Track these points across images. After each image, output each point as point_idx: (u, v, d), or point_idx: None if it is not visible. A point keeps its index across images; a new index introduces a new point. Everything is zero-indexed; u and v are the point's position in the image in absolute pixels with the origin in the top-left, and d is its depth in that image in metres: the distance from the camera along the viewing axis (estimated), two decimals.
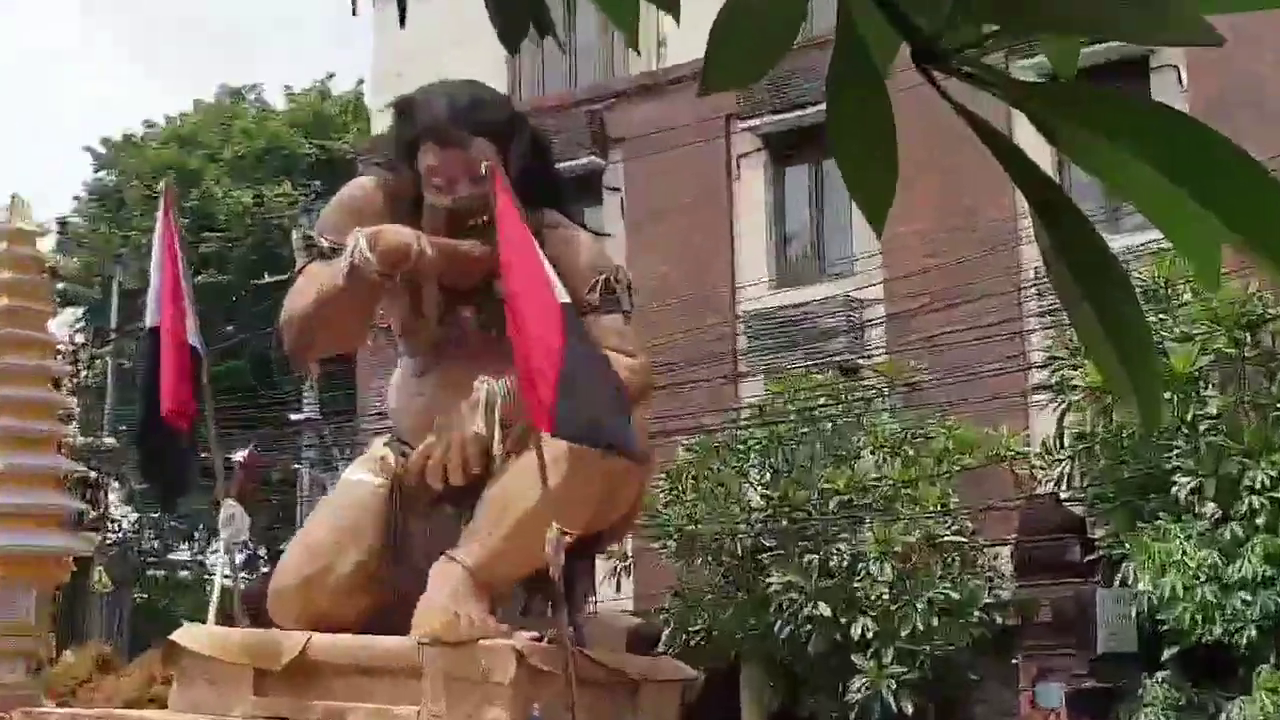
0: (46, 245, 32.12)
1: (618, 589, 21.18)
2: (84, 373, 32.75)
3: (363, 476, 8.19)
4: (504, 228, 6.85)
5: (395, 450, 8.10)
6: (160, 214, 8.40)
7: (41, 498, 16.09)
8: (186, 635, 7.97)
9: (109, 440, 30.03)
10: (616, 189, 25.73)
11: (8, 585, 15.54)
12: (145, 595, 33.49)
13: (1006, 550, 19.57)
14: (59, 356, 30.36)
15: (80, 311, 37.50)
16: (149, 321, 8.25)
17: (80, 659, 22.63)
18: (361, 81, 40.19)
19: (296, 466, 27.96)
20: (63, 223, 34.21)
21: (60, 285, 34.59)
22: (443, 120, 7.90)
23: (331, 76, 41.16)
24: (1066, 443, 18.28)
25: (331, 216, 8.19)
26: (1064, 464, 18.40)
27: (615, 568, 21.08)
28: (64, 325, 35.90)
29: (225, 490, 8.21)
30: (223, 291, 34.28)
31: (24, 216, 16.42)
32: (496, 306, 7.21)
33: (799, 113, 22.93)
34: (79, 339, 34.43)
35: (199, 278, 33.90)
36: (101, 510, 28.95)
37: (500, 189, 6.86)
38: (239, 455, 8.75)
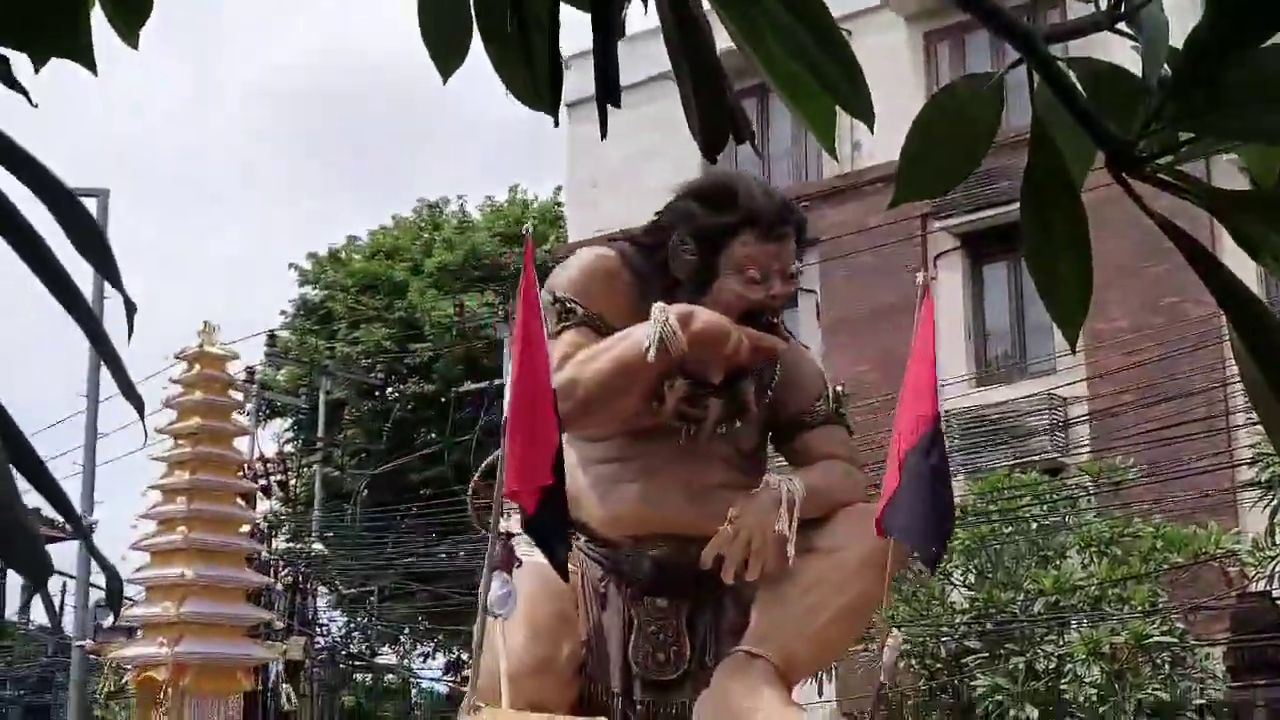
0: (255, 358, 33.28)
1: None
2: (293, 481, 33.62)
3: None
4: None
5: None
6: (524, 269, 8.27)
7: (229, 609, 16.73)
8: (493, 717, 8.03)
9: (317, 546, 30.74)
10: (812, 291, 25.84)
11: (198, 693, 16.10)
12: (354, 698, 34.03)
13: (1218, 650, 19.04)
14: (265, 465, 31.48)
15: (288, 422, 38.54)
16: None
17: None
18: (559, 189, 41.08)
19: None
20: (271, 336, 35.27)
21: (268, 397, 35.68)
22: (770, 213, 7.82)
23: (515, 187, 42.00)
24: (1278, 539, 17.80)
25: (581, 282, 8.11)
26: (1276, 561, 17.90)
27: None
28: (272, 436, 37.03)
29: (494, 563, 8.23)
30: (428, 400, 35.03)
31: (213, 341, 17.26)
32: (736, 402, 7.27)
33: (996, 210, 22.86)
34: (288, 449, 35.37)
35: (405, 385, 34.87)
36: (302, 616, 29.56)
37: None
38: (505, 526, 8.58)
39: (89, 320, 1.81)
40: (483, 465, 9.81)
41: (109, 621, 22.31)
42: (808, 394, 7.38)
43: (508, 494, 7.93)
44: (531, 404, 8.01)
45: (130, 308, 1.88)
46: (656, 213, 8.38)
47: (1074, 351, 1.85)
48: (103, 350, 1.87)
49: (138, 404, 2.05)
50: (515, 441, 7.74)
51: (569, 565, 8.14)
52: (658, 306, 7.84)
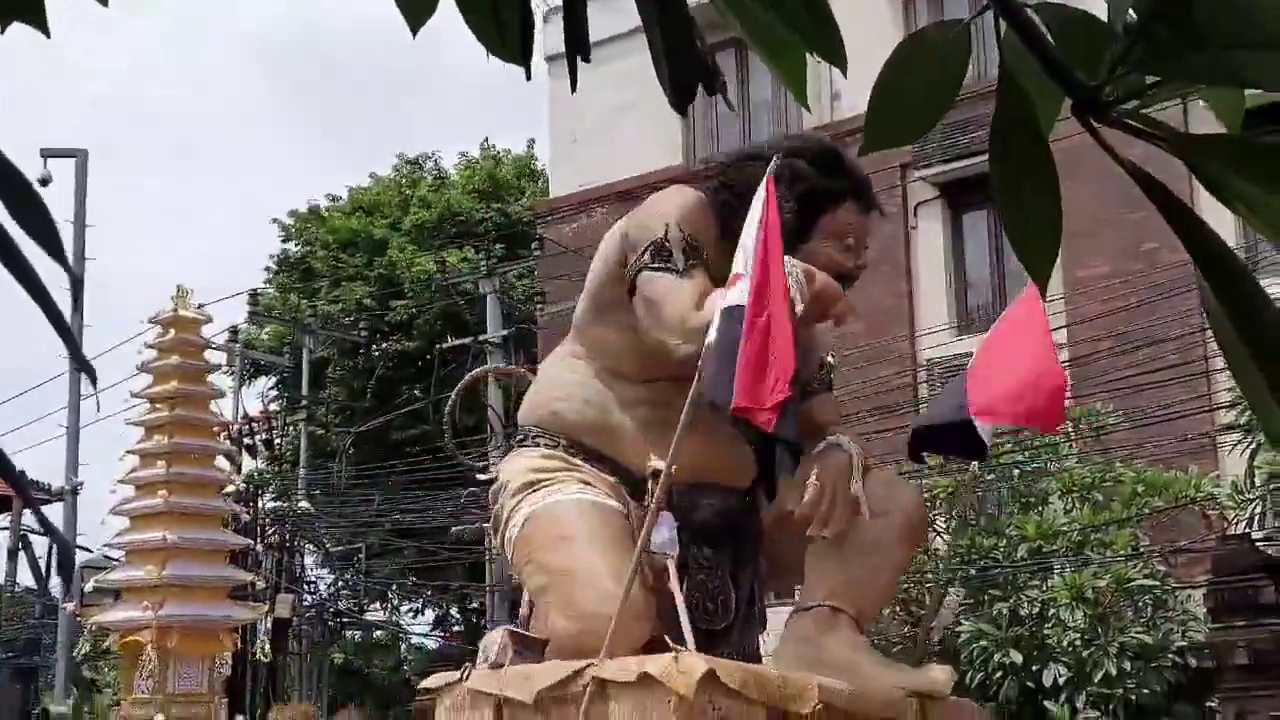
0: (239, 317, 33.23)
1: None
2: (278, 440, 33.60)
3: (606, 501, 8.31)
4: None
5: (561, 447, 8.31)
6: (765, 191, 8.16)
7: (210, 570, 16.80)
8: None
9: (304, 504, 30.78)
10: None
11: (181, 655, 16.18)
12: (343, 655, 34.14)
13: (1199, 593, 19.20)
14: (250, 425, 31.45)
15: (272, 381, 38.51)
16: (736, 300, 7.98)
17: (283, 718, 23.25)
18: (532, 142, 40.97)
19: (485, 525, 28.37)
20: (253, 294, 35.18)
21: (251, 356, 35.63)
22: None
23: (486, 141, 41.91)
24: (1257, 482, 17.93)
25: (694, 221, 8.21)
26: (1255, 504, 18.04)
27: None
28: (256, 395, 36.99)
29: (661, 503, 8.16)
30: (410, 357, 35.02)
31: (188, 304, 17.27)
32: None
33: (974, 160, 22.88)
34: (272, 408, 35.35)
35: (387, 343, 34.86)
36: (290, 574, 29.62)
37: None
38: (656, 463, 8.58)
39: (36, 288, 1.82)
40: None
41: (89, 586, 22.34)
42: (819, 359, 7.58)
43: (736, 410, 7.82)
44: (768, 324, 7.98)
45: (76, 282, 1.88)
46: (742, 160, 8.48)
47: (1044, 298, 1.86)
48: (52, 318, 1.87)
49: (90, 373, 2.05)
50: (749, 360, 7.69)
51: (618, 506, 8.24)
52: (789, 261, 8.11)
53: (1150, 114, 1.51)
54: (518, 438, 8.71)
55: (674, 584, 8.04)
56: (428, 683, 9.11)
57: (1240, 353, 1.47)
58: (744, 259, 7.76)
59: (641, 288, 8.26)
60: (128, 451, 16.96)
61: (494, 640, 8.45)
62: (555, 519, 8.36)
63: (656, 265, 8.27)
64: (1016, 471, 20.56)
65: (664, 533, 8.03)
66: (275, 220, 39.97)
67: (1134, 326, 20.93)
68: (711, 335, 7.51)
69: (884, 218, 8.50)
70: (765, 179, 7.81)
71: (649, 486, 8.84)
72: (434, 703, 8.76)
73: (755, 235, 7.84)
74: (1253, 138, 1.43)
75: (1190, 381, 20.30)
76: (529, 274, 33.12)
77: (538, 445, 8.54)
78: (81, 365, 2.01)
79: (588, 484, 8.40)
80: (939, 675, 7.80)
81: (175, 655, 16.05)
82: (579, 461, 8.51)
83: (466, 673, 8.32)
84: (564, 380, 8.68)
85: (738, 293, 7.61)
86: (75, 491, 27.22)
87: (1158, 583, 18.88)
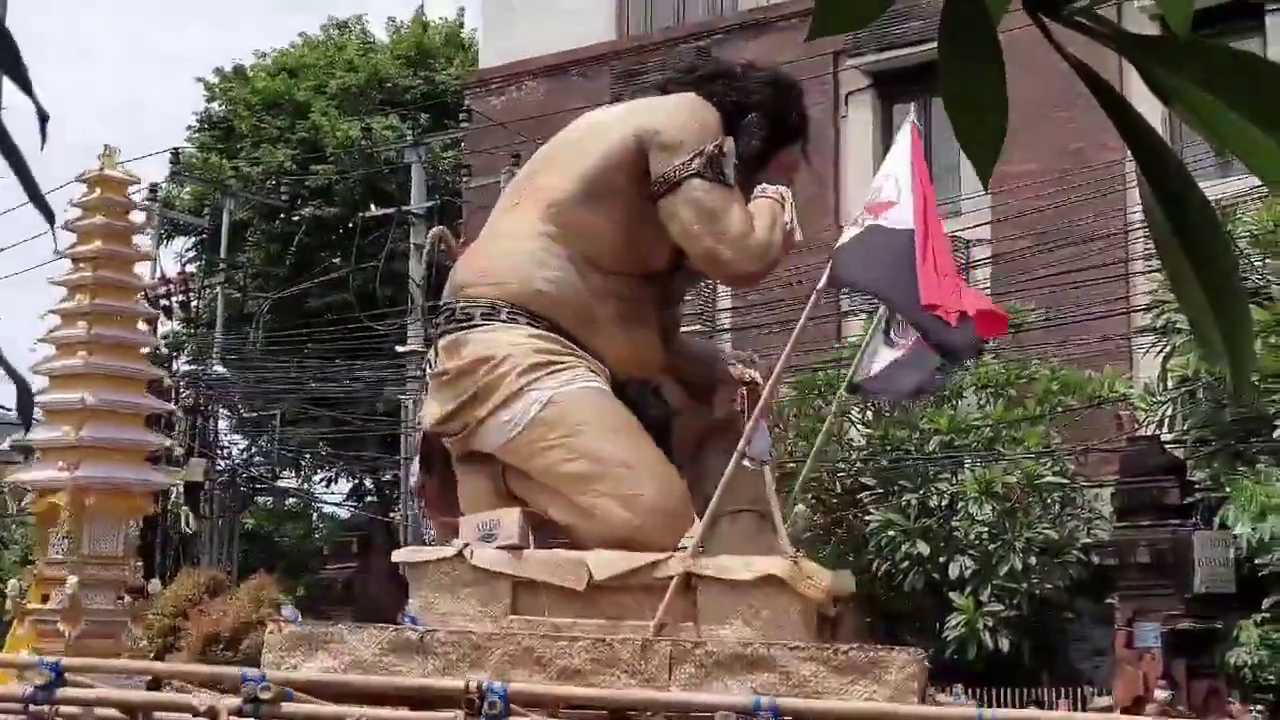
0: (159, 175, 32.74)
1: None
2: (195, 302, 33.28)
3: (604, 386, 8.43)
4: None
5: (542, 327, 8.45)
6: (911, 137, 8.54)
7: (128, 433, 16.66)
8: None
9: (218, 368, 30.58)
10: None
11: (97, 517, 16.08)
12: (254, 521, 34.14)
13: (1106, 492, 19.54)
14: (167, 285, 31.12)
15: (190, 242, 38.08)
16: (896, 224, 8.19)
17: (190, 583, 23.24)
18: (462, 11, 40.39)
19: (401, 397, 28.33)
20: (175, 153, 34.63)
21: (170, 215, 35.17)
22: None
23: (420, 7, 41.35)
24: (1169, 386, 18.19)
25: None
26: (1166, 407, 18.33)
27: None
28: (173, 256, 36.57)
29: (765, 408, 8.37)
30: (331, 225, 34.68)
31: (114, 164, 16.97)
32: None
33: (907, 50, 22.81)
34: (190, 269, 34.97)
35: (306, 209, 34.49)
36: (203, 438, 29.49)
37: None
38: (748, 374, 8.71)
39: None
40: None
41: (10, 440, 22.13)
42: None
43: (926, 306, 8.06)
44: (935, 250, 8.34)
45: (43, 116, 1.85)
46: (729, 78, 8.70)
47: (987, 192, 1.83)
48: (12, 160, 1.83)
49: (48, 215, 2.01)
50: (930, 271, 8.09)
51: (603, 386, 8.34)
52: (786, 195, 8.47)
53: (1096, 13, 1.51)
54: (482, 310, 8.66)
55: (770, 491, 8.16)
56: (400, 555, 9.09)
57: (1174, 248, 1.48)
58: (895, 189, 8.17)
59: (692, 193, 8.34)
60: (49, 311, 16.72)
61: (495, 519, 8.44)
62: (594, 407, 8.39)
63: (710, 176, 8.43)
64: None
65: (762, 441, 8.16)
66: (200, 79, 39.33)
67: (1057, 226, 21.05)
68: (853, 248, 8.13)
69: (809, 165, 8.93)
70: (910, 125, 8.35)
71: (660, 395, 8.96)
72: (354, 574, 8.79)
73: (909, 172, 8.31)
74: (1198, 40, 1.43)
75: (1109, 283, 20.50)
76: (455, 145, 32.80)
77: (517, 323, 8.52)
78: (42, 209, 1.96)
79: (594, 373, 8.47)
80: (849, 579, 8.42)
81: (91, 517, 15.95)
82: (574, 347, 8.55)
83: (468, 550, 8.32)
84: (543, 260, 8.64)
85: (898, 215, 8.15)
86: None
87: (1066, 480, 19.20)
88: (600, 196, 8.70)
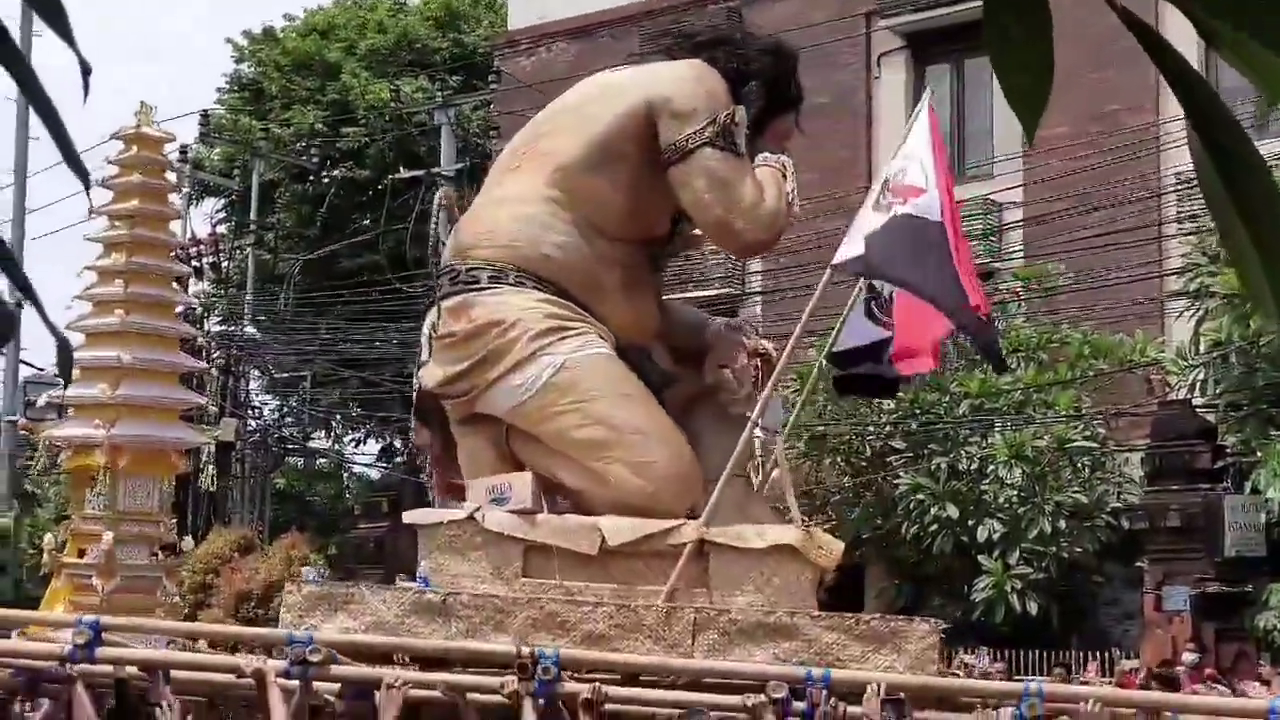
0: (189, 136, 32.79)
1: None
2: (226, 264, 33.38)
3: (613, 353, 8.50)
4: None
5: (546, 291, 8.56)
6: (929, 116, 8.64)
7: (164, 391, 16.74)
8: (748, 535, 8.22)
9: (250, 329, 30.68)
10: None
11: (132, 474, 16.18)
12: (286, 481, 34.26)
13: (1137, 456, 19.50)
14: (199, 246, 31.20)
15: (221, 203, 38.14)
16: (925, 213, 8.18)
17: (223, 541, 23.40)
18: None
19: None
20: (204, 114, 34.66)
21: (201, 177, 35.24)
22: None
23: None
24: (1202, 349, 18.12)
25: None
26: (1198, 370, 18.25)
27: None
28: (204, 217, 36.66)
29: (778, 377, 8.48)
30: (361, 186, 34.71)
31: (150, 122, 16.98)
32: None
33: (941, 10, 22.69)
34: (220, 230, 35.07)
35: (337, 170, 34.51)
36: (234, 399, 29.60)
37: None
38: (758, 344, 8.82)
39: (33, 84, 1.78)
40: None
41: (40, 401, 22.26)
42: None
43: (974, 309, 8.18)
44: (961, 246, 8.42)
45: (85, 69, 1.84)
46: (730, 45, 8.76)
47: (1030, 148, 1.84)
48: (48, 119, 1.83)
49: (83, 175, 2.03)
50: (966, 268, 8.23)
51: (613, 352, 8.39)
52: (788, 164, 8.58)
53: None
54: (490, 273, 8.65)
55: (782, 463, 8.25)
56: (410, 517, 9.13)
57: (1223, 201, 1.48)
58: (922, 175, 8.21)
59: (705, 162, 8.38)
60: (86, 268, 16.80)
61: (506, 482, 8.48)
62: (606, 374, 8.44)
63: (722, 145, 8.47)
64: None
65: (778, 411, 8.25)
66: (229, 40, 39.31)
67: (1090, 189, 20.96)
68: (885, 239, 8.23)
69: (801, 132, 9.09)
70: (927, 102, 8.42)
71: (659, 360, 9.06)
72: (385, 533, 8.81)
73: (931, 156, 8.33)
74: None
75: (1143, 246, 20.41)
76: (484, 106, 32.75)
77: (524, 287, 8.53)
78: (77, 169, 1.98)
79: (603, 339, 8.51)
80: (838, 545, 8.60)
81: (126, 474, 16.07)
82: (583, 312, 8.58)
83: (480, 513, 8.35)
84: (549, 225, 8.65)
85: (927, 204, 8.20)
86: (20, 305, 26.97)
87: (1097, 444, 19.17)
88: (607, 162, 8.70)
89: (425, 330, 9.05)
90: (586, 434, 8.22)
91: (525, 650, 7.06)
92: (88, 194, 2.14)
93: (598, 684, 6.88)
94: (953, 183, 8.41)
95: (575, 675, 7.04)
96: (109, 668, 7.24)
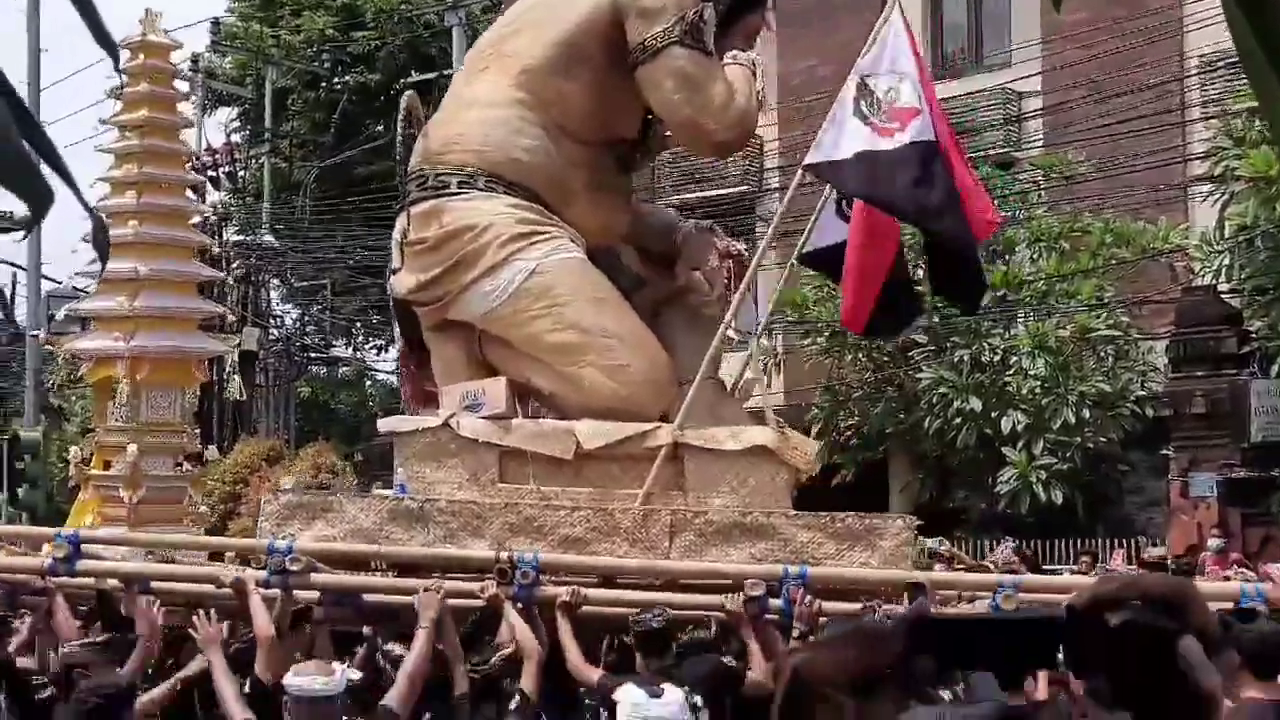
0: (200, 45, 32.57)
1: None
2: (242, 172, 33.26)
3: (585, 257, 8.43)
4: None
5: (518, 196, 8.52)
6: (903, 23, 8.46)
7: (181, 301, 16.72)
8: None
9: (268, 238, 30.60)
10: None
11: (154, 385, 16.20)
12: (309, 389, 34.34)
13: (1161, 344, 19.42)
14: (214, 156, 31.06)
15: (234, 112, 37.93)
16: (923, 135, 7.97)
17: (250, 451, 23.48)
18: None
19: None
20: (215, 22, 34.40)
21: (213, 85, 35.03)
22: None
23: None
24: (1226, 234, 17.96)
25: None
26: (1223, 256, 18.08)
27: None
28: (218, 126, 36.47)
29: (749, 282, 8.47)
30: (373, 92, 34.46)
31: (156, 29, 16.80)
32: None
33: None
34: (235, 139, 34.92)
35: (348, 77, 34.26)
36: (255, 308, 29.60)
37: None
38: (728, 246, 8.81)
39: None
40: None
41: (59, 315, 22.29)
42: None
43: (983, 237, 8.23)
44: (960, 163, 8.31)
45: None
46: None
47: (1059, 12, 1.78)
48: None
49: (112, 51, 1.99)
50: (968, 190, 8.16)
51: (584, 256, 8.33)
52: (758, 62, 8.48)
53: None
54: (459, 178, 8.54)
55: (755, 360, 8.22)
56: (385, 425, 9.12)
57: (1257, 58, 1.45)
58: (914, 93, 8.02)
59: (674, 61, 8.25)
60: (98, 179, 16.73)
61: (480, 388, 8.45)
62: (578, 278, 8.36)
63: (691, 43, 8.33)
64: None
65: (748, 314, 8.21)
66: None
67: (1111, 75, 20.69)
68: (886, 169, 8.13)
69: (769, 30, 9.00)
70: (895, 4, 8.25)
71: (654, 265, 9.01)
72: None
73: (915, 69, 8.18)
74: None
75: (1165, 132, 20.17)
76: (495, 8, 32.41)
77: (495, 191, 8.43)
78: (106, 46, 1.94)
79: (575, 243, 8.43)
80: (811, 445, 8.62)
81: (147, 385, 16.08)
82: (553, 217, 8.50)
83: (455, 420, 8.33)
84: (519, 128, 8.54)
85: (922, 126, 8.03)
86: (39, 218, 26.89)
87: (1120, 333, 19.07)
88: (573, 63, 8.57)
89: (395, 237, 8.97)
90: (559, 338, 8.19)
91: (505, 555, 7.11)
92: (117, 70, 2.13)
93: (576, 587, 6.91)
94: (934, 92, 8.30)
95: (555, 579, 7.09)
96: (90, 580, 7.33)
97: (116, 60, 2.08)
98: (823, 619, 6.79)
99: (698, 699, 6.02)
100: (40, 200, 1.75)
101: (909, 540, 7.47)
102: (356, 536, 7.98)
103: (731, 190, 24.48)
